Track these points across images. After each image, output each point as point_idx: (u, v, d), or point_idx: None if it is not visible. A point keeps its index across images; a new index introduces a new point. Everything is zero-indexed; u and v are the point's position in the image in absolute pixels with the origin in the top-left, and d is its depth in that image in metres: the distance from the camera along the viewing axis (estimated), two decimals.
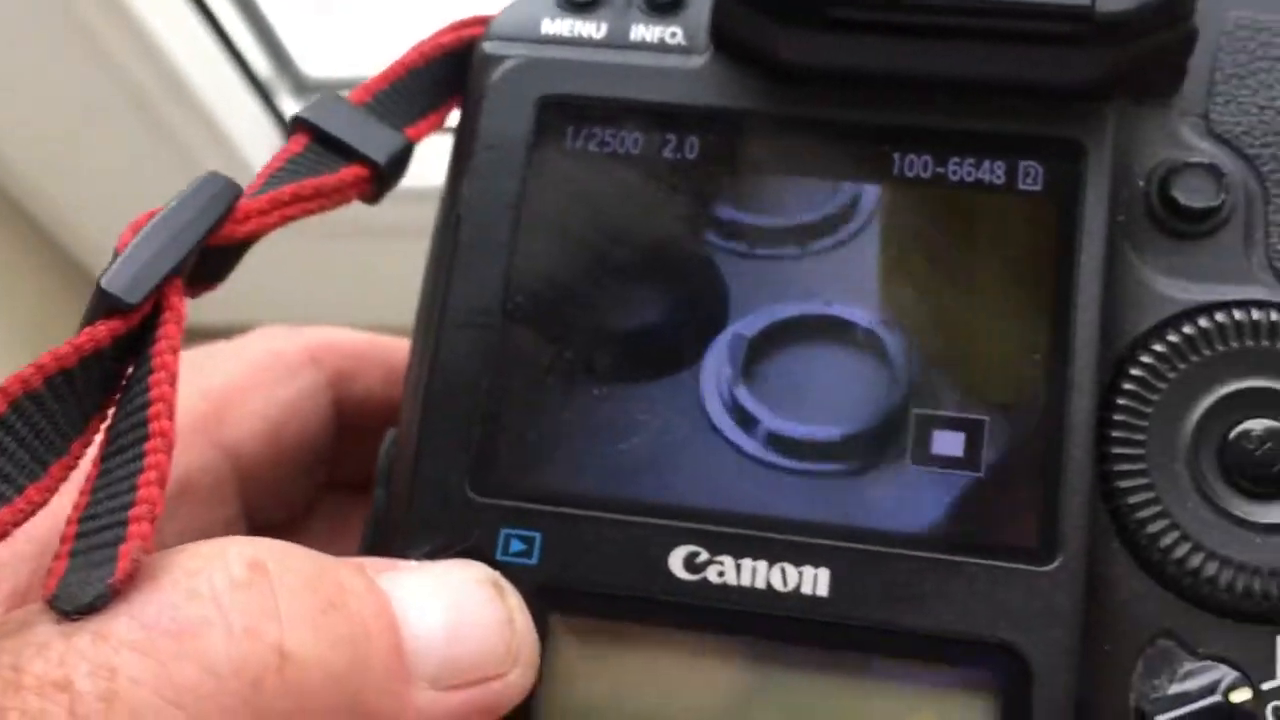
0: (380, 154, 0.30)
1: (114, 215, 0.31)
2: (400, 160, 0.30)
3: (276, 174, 0.28)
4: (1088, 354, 0.28)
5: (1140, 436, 0.27)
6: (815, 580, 0.27)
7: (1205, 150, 0.29)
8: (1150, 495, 0.27)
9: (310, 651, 0.23)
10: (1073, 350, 0.28)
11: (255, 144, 0.83)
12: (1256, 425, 0.27)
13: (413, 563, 0.27)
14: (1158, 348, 0.28)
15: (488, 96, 0.30)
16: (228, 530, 0.34)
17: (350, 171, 0.29)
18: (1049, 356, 0.28)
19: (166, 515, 0.28)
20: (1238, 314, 0.28)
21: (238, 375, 0.35)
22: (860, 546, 0.27)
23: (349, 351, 0.36)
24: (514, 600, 0.27)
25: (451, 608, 0.26)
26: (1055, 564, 0.27)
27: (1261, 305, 0.28)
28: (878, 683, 0.27)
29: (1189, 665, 0.27)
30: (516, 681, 0.26)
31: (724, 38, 0.30)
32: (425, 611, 0.25)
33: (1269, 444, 0.27)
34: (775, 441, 0.28)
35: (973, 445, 0.28)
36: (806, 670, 0.27)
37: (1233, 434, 0.27)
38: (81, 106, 0.80)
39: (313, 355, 0.36)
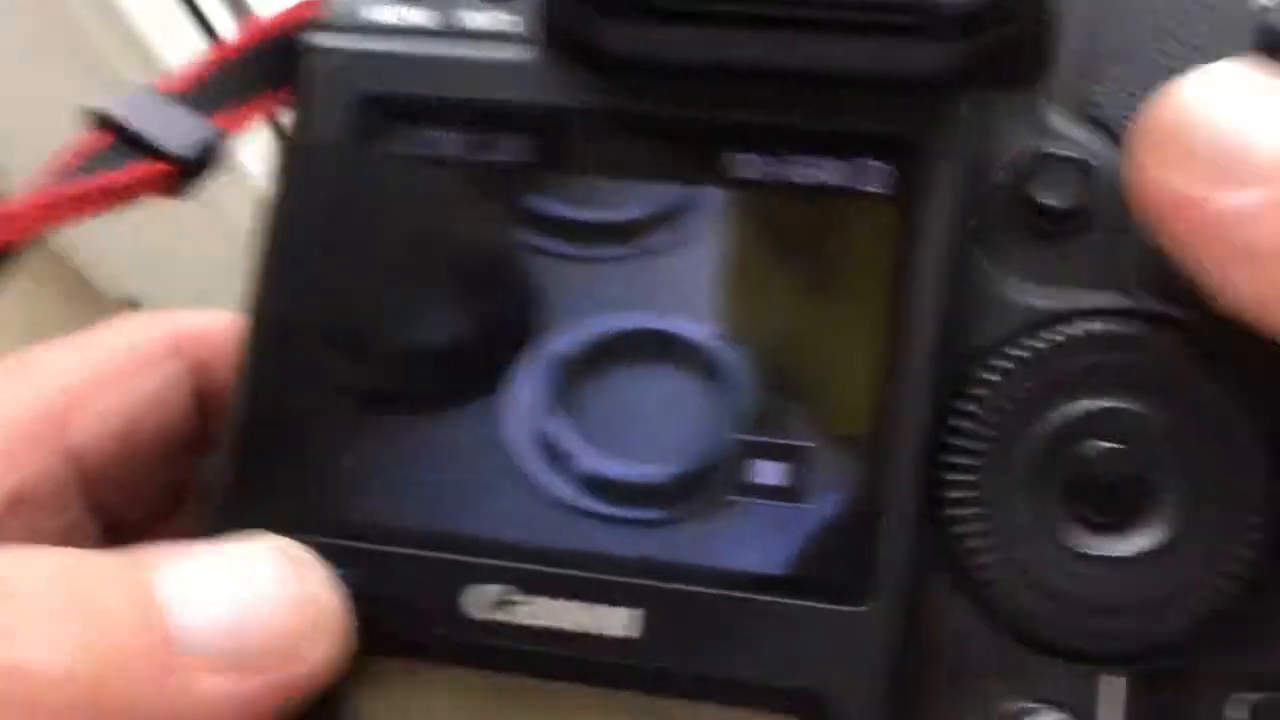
0: (184, 148, 0.28)
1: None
2: (208, 152, 0.29)
3: (67, 171, 0.27)
4: (920, 371, 0.25)
5: (977, 462, 0.25)
6: (626, 621, 0.25)
7: (1075, 139, 0.26)
8: (984, 527, 0.25)
9: (52, 664, 0.22)
10: (906, 368, 0.25)
11: (249, 148, 0.83)
12: (1103, 450, 0.25)
13: (197, 545, 0.25)
14: (1001, 363, 0.25)
15: (308, 92, 0.28)
16: (69, 537, 0.32)
17: (145, 168, 0.28)
18: (884, 375, 0.25)
19: None
20: (1095, 325, 0.25)
21: (88, 371, 0.33)
22: (675, 586, 0.25)
23: (213, 339, 0.35)
24: (315, 574, 0.25)
25: (235, 588, 0.24)
26: (868, 604, 0.24)
27: (1124, 315, 0.25)
28: None
29: (1016, 707, 0.24)
30: (321, 660, 0.25)
31: (554, 30, 0.28)
32: (202, 595, 0.24)
33: (1115, 471, 0.24)
34: (590, 483, 0.26)
35: (797, 474, 0.26)
36: (615, 714, 0.26)
37: (1079, 459, 0.25)
38: (74, 111, 0.80)
39: (176, 344, 0.34)
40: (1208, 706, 0.24)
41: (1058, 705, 0.24)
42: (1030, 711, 0.24)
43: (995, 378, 0.25)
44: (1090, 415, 0.25)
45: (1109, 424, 0.25)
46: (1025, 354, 0.25)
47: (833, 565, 0.25)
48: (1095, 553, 0.24)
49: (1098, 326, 0.25)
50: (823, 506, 0.25)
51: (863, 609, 0.24)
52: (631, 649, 0.25)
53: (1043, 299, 0.26)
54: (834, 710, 0.24)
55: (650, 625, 0.25)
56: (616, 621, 0.25)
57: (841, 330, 0.26)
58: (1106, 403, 0.25)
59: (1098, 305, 0.25)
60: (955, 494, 0.25)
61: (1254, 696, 0.24)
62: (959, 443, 0.25)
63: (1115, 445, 0.24)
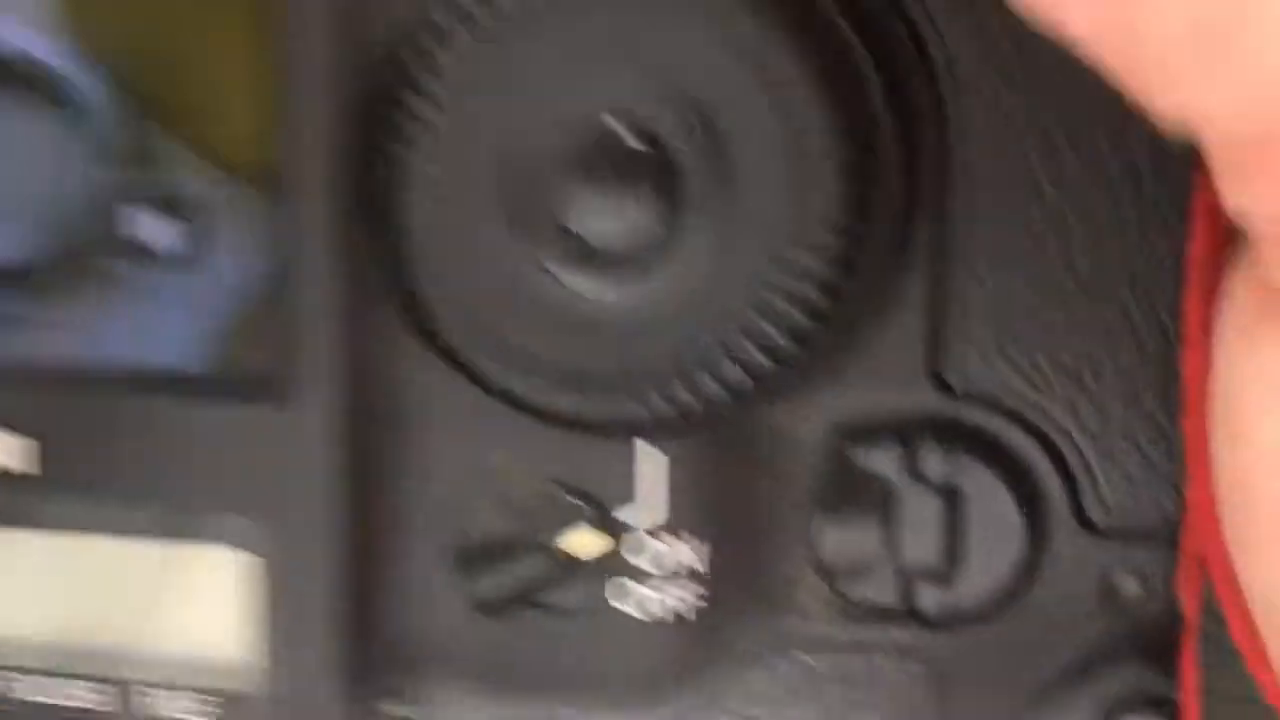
0: None
1: None
2: None
3: None
4: (316, 83, 0.20)
5: (425, 179, 0.19)
6: (23, 454, 0.22)
7: None
8: (442, 269, 0.20)
9: None
10: (300, 81, 0.20)
11: None
12: (611, 137, 0.19)
13: None
14: (435, 34, 0.19)
15: None
16: None
17: None
18: (279, 94, 0.20)
19: None
20: None
21: None
22: (59, 398, 0.21)
23: None
24: None
25: None
26: (290, 406, 0.21)
27: None
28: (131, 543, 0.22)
29: (533, 492, 0.22)
30: None
31: None
32: None
33: (629, 171, 0.19)
34: None
35: (190, 235, 0.21)
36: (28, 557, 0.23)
37: (573, 157, 0.19)
38: None
39: None
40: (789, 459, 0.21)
41: (581, 492, 0.22)
42: (548, 495, 0.22)
43: (439, 52, 0.19)
44: (588, 89, 0.19)
45: (631, 98, 0.19)
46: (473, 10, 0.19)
47: (245, 355, 0.21)
48: (598, 296, 0.20)
49: None
50: (223, 276, 0.21)
51: (285, 413, 0.21)
52: (33, 485, 0.22)
53: None
54: (275, 538, 0.21)
55: (47, 454, 0.22)
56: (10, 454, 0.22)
57: (226, 37, 0.21)
58: (623, 77, 0.19)
59: None
60: (403, 234, 0.20)
61: None
62: (398, 157, 0.20)
63: (629, 132, 0.19)
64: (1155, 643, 0.21)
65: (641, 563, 0.22)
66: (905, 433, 0.21)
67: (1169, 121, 0.13)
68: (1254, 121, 0.12)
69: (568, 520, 0.22)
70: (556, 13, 0.19)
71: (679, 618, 0.22)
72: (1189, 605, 0.18)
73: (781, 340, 0.19)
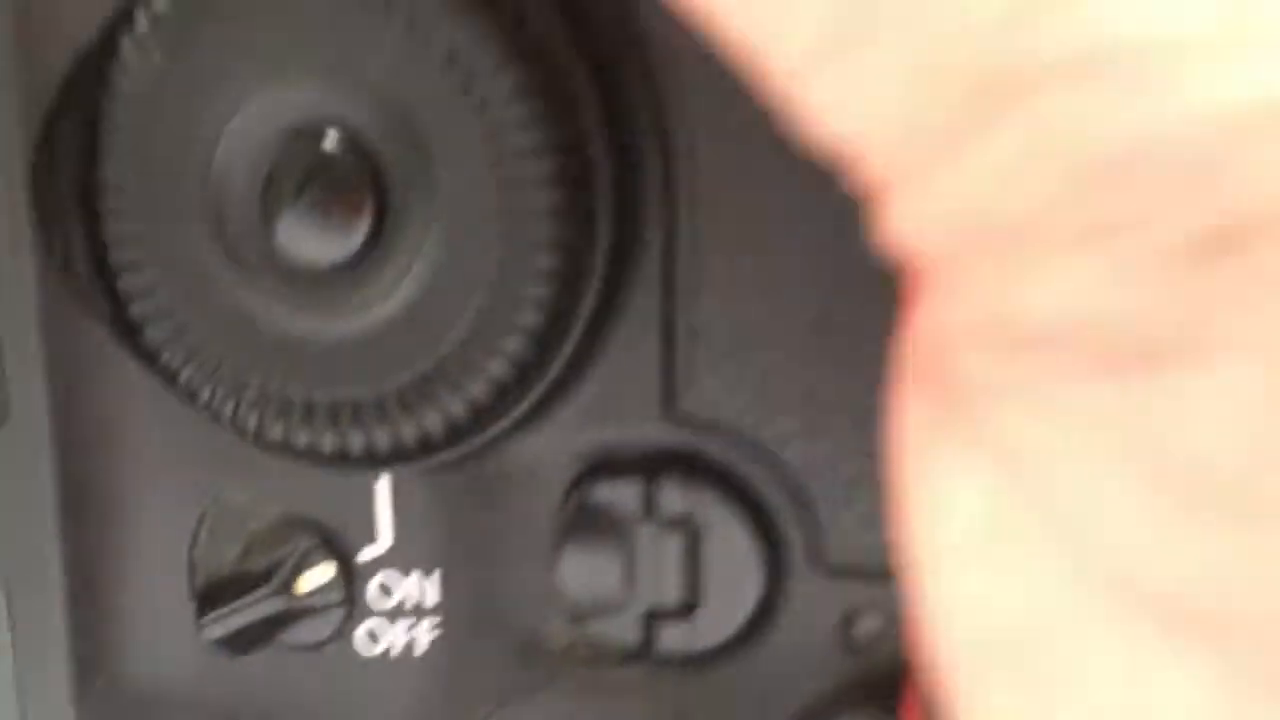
0: None
1: None
2: None
3: None
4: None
5: (121, 190, 0.19)
6: None
7: None
8: (145, 282, 0.19)
9: None
10: None
11: None
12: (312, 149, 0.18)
13: None
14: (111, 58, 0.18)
15: None
16: None
17: None
18: None
19: None
20: None
21: None
22: None
23: None
24: None
25: None
26: (11, 425, 0.20)
27: None
28: None
29: (267, 525, 0.21)
30: None
31: None
32: None
33: (334, 181, 0.18)
34: None
35: None
36: None
37: (273, 163, 0.18)
38: None
39: None
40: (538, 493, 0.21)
41: (311, 525, 0.21)
42: (284, 531, 0.21)
43: (122, 71, 0.18)
44: (284, 101, 0.18)
45: (330, 108, 0.18)
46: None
47: None
48: (314, 322, 0.19)
49: None
50: None
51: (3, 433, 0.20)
52: None
53: None
54: (7, 566, 0.20)
55: None
56: None
57: None
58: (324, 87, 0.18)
59: None
60: (111, 246, 0.19)
61: None
62: (95, 177, 0.19)
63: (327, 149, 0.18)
64: (894, 684, 0.20)
65: (377, 599, 0.21)
66: (645, 467, 0.20)
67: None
68: (896, 123, 0.12)
69: (305, 556, 0.21)
70: (241, 23, 0.18)
71: (416, 655, 0.21)
72: (912, 649, 0.17)
73: (500, 369, 0.19)
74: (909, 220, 0.12)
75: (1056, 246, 0.11)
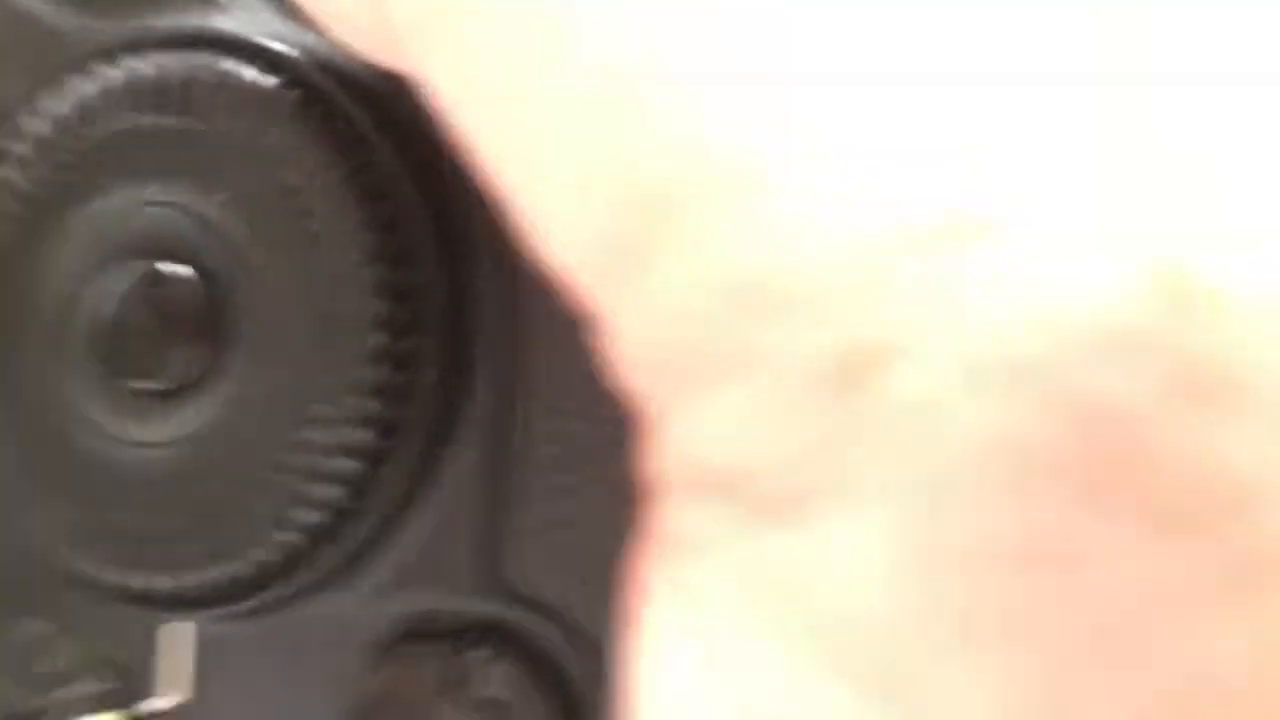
0: None
1: None
2: None
3: None
4: None
5: None
6: None
7: None
8: None
9: None
10: None
11: None
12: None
13: None
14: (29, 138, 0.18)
15: None
16: None
17: None
18: None
19: None
20: (144, 63, 0.17)
21: None
22: None
23: None
24: None
25: None
26: None
27: (212, 42, 0.17)
28: None
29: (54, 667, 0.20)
30: None
31: None
32: None
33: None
34: None
35: None
36: None
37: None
38: None
39: None
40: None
41: (109, 668, 0.19)
42: (73, 671, 0.20)
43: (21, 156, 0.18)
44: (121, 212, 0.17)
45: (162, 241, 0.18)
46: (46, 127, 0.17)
47: None
48: (124, 443, 0.18)
49: (143, 66, 0.17)
50: None
51: None
52: None
53: (87, 30, 0.18)
54: None
55: None
56: None
57: None
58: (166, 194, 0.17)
59: (170, 30, 0.17)
60: None
61: None
62: None
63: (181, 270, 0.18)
64: None
65: None
66: (455, 636, 0.19)
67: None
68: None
69: (93, 699, 0.20)
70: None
71: None
72: None
73: (308, 516, 0.18)
74: (620, 351, 0.12)
75: (716, 376, 0.10)
